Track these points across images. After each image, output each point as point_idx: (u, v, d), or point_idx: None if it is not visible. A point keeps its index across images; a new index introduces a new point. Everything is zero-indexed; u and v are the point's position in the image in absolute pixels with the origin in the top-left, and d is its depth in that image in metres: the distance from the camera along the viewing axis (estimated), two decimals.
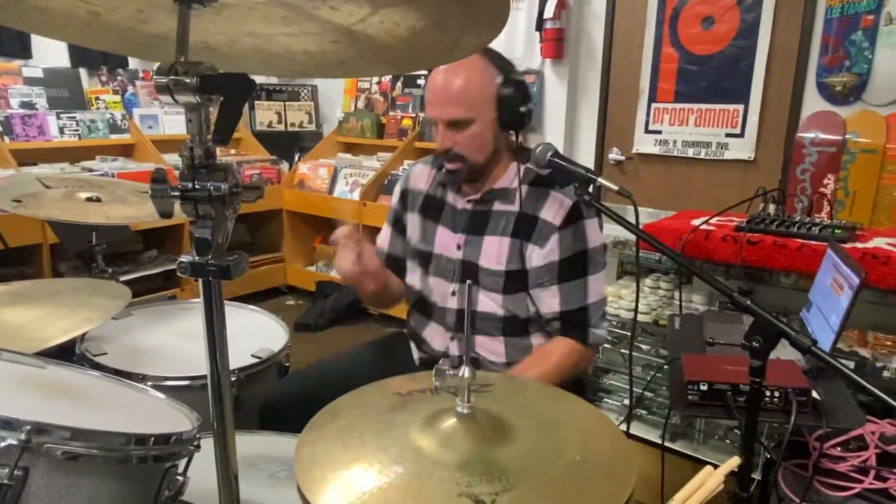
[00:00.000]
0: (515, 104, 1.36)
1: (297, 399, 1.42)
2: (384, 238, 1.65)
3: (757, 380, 1.04)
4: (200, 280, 0.63)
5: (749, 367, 1.05)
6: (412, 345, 1.61)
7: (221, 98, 0.58)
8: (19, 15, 0.69)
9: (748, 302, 1.01)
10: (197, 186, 0.59)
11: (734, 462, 1.08)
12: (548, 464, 0.79)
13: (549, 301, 1.40)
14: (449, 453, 0.78)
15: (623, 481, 0.77)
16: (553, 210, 1.38)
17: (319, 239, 4.31)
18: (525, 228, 1.39)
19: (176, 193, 0.59)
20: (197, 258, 0.61)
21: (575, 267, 1.38)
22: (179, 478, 0.85)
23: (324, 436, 0.82)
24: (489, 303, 1.42)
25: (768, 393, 1.25)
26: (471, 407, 0.82)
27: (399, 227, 1.61)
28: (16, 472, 0.69)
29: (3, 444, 0.68)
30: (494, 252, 1.41)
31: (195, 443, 0.87)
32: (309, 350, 3.17)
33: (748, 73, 2.82)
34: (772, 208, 2.14)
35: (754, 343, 1.02)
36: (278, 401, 1.45)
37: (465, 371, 0.82)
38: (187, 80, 0.57)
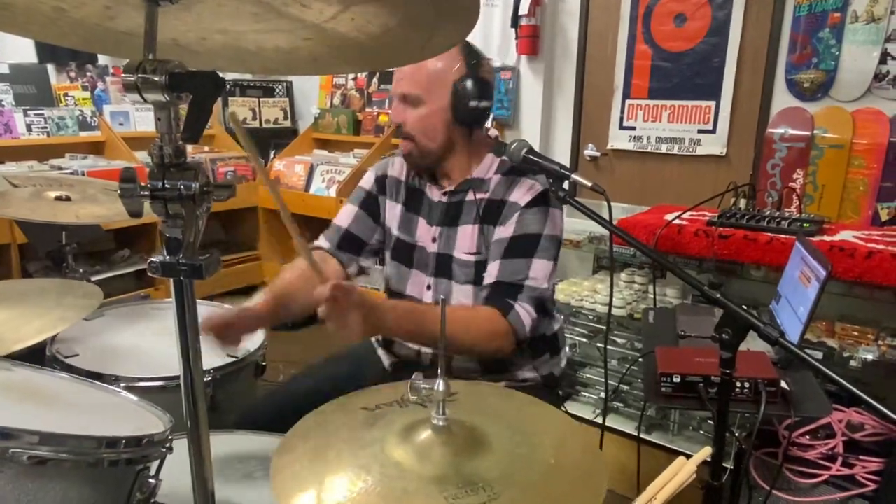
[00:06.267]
0: (469, 98, 1.34)
1: (272, 422, 1.38)
2: (345, 216, 1.55)
3: (727, 371, 1.06)
4: (172, 280, 0.62)
5: (719, 358, 1.08)
6: (381, 351, 1.58)
7: (191, 96, 0.57)
8: None
9: (718, 295, 1.03)
10: (167, 185, 0.58)
11: (706, 452, 1.10)
12: (526, 470, 0.79)
13: (487, 274, 1.37)
14: (429, 466, 0.77)
15: (597, 480, 0.78)
16: (521, 192, 1.37)
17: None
18: (493, 213, 1.39)
19: (146, 193, 0.59)
20: (168, 258, 0.60)
21: (524, 246, 1.35)
22: (152, 480, 0.84)
23: (298, 458, 0.80)
24: (461, 297, 1.42)
25: (738, 384, 1.28)
26: (446, 419, 0.82)
27: (371, 209, 1.54)
28: None
29: None
30: (467, 242, 1.41)
31: (167, 445, 0.86)
32: (286, 349, 3.15)
33: (720, 70, 2.86)
34: (742, 203, 2.18)
35: (724, 335, 1.04)
36: (252, 424, 1.40)
37: (439, 384, 0.82)
38: (156, 79, 0.56)
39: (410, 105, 1.36)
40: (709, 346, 1.34)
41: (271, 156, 4.26)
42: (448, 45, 0.73)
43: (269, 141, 4.39)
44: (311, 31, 0.70)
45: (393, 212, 1.53)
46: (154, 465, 0.85)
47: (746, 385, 1.28)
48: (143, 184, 0.61)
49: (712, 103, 2.90)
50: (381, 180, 1.55)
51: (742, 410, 1.29)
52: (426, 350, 1.47)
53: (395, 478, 0.75)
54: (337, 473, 0.77)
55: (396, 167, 1.55)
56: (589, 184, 1.22)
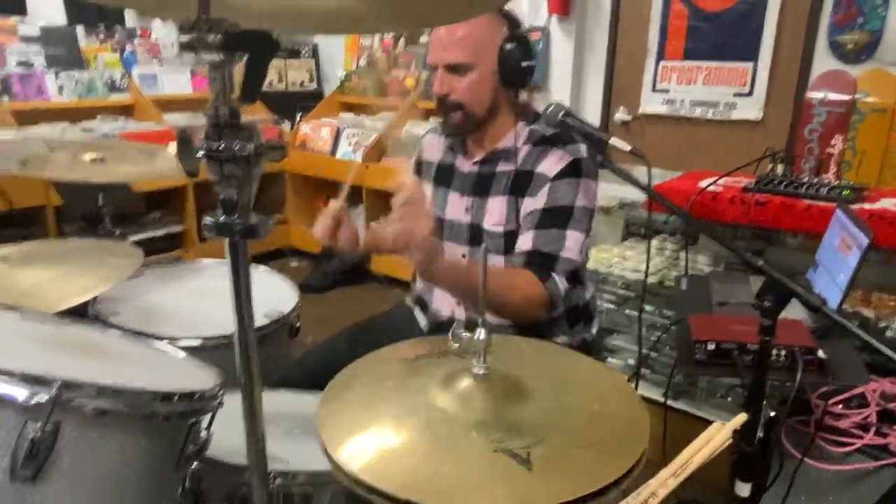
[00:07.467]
0: (518, 59, 1.35)
1: (308, 381, 1.40)
2: None
3: (767, 339, 1.06)
4: (227, 240, 0.63)
5: (759, 326, 1.07)
6: (417, 311, 1.62)
7: (245, 56, 0.57)
8: None
9: (761, 262, 1.01)
10: (222, 146, 0.59)
11: (741, 418, 1.11)
12: (570, 416, 0.81)
13: (521, 243, 1.37)
14: (473, 413, 0.79)
15: (639, 425, 0.80)
16: (551, 163, 1.36)
17: (323, 200, 4.30)
18: (522, 184, 1.39)
19: (202, 153, 0.59)
20: (223, 218, 0.61)
21: (557, 217, 1.35)
22: (203, 433, 0.87)
23: (344, 405, 0.82)
24: (493, 265, 1.43)
25: (775, 352, 1.27)
26: (487, 367, 0.83)
27: None
28: (47, 427, 0.71)
29: (34, 399, 0.70)
30: (496, 213, 1.42)
31: (218, 399, 0.88)
32: (315, 311, 3.20)
33: (758, 31, 2.77)
34: (780, 169, 2.13)
35: (765, 303, 1.03)
36: (288, 383, 1.43)
37: (481, 333, 0.83)
38: (211, 38, 0.56)
39: (458, 74, 1.36)
40: (743, 314, 1.34)
41: (297, 119, 4.25)
42: (497, 2, 0.71)
43: (295, 104, 4.37)
44: None
45: (428, 193, 1.56)
46: (205, 419, 0.88)
47: (783, 353, 1.27)
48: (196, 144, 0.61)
49: (750, 65, 2.81)
50: (417, 165, 1.62)
51: (777, 378, 1.29)
52: (460, 316, 1.49)
53: (440, 423, 0.77)
54: (383, 419, 0.79)
55: (427, 147, 1.60)
56: (628, 148, 1.20)
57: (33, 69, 3.30)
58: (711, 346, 1.31)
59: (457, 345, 0.83)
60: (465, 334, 0.84)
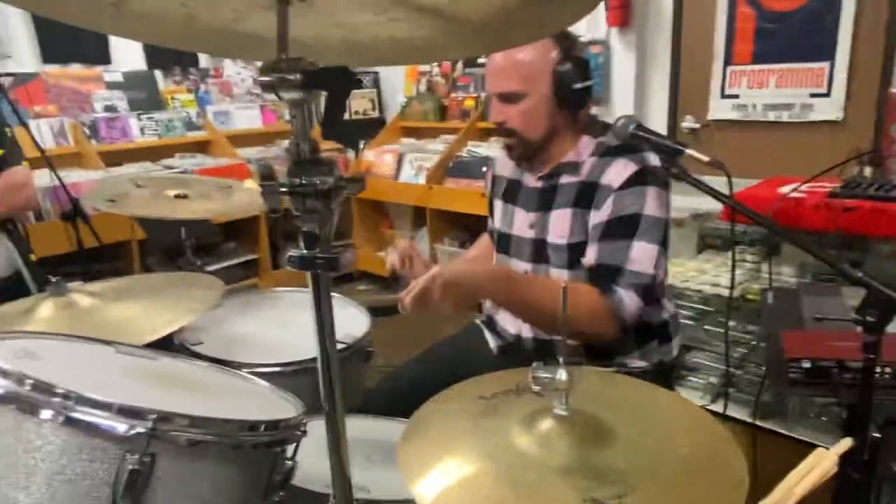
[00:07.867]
0: (572, 81, 1.32)
1: (385, 407, 1.40)
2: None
3: (871, 356, 0.98)
4: (310, 273, 0.64)
5: (861, 342, 0.99)
6: (486, 333, 1.60)
7: (324, 93, 0.58)
8: (122, 23, 0.72)
9: (860, 274, 0.94)
10: (304, 182, 0.60)
11: (847, 443, 1.03)
12: (658, 460, 0.76)
13: (587, 257, 1.34)
14: (556, 457, 0.76)
15: (736, 470, 0.74)
16: (615, 173, 1.33)
17: (388, 224, 4.36)
18: (587, 197, 1.35)
19: (285, 189, 0.61)
20: (306, 252, 0.62)
21: (622, 228, 1.30)
22: (289, 462, 0.88)
23: (424, 446, 0.81)
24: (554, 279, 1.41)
25: (878, 369, 1.18)
26: (568, 408, 0.80)
27: (491, 209, 1.65)
28: (144, 458, 0.74)
29: (132, 431, 0.73)
30: (560, 225, 1.39)
31: (302, 428, 0.89)
32: (385, 335, 3.22)
33: (834, 28, 2.63)
34: (867, 171, 2.00)
35: (868, 317, 0.96)
36: (364, 409, 1.44)
37: (562, 374, 0.80)
38: (292, 77, 0.58)
39: (510, 102, 1.36)
40: (840, 329, 1.25)
41: (361, 146, 4.34)
42: (566, 22, 0.71)
43: (359, 132, 4.47)
44: (430, 16, 0.69)
45: (498, 208, 1.58)
46: (290, 448, 0.89)
47: (888, 370, 1.18)
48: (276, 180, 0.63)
49: (826, 64, 2.67)
50: (492, 181, 1.64)
51: (883, 398, 1.19)
52: (527, 334, 1.46)
53: (523, 468, 0.74)
54: (464, 462, 0.76)
55: (500, 164, 1.61)
56: (706, 158, 1.15)
57: (118, 112, 3.53)
58: (807, 364, 1.23)
59: (538, 387, 0.81)
60: (545, 375, 0.81)
